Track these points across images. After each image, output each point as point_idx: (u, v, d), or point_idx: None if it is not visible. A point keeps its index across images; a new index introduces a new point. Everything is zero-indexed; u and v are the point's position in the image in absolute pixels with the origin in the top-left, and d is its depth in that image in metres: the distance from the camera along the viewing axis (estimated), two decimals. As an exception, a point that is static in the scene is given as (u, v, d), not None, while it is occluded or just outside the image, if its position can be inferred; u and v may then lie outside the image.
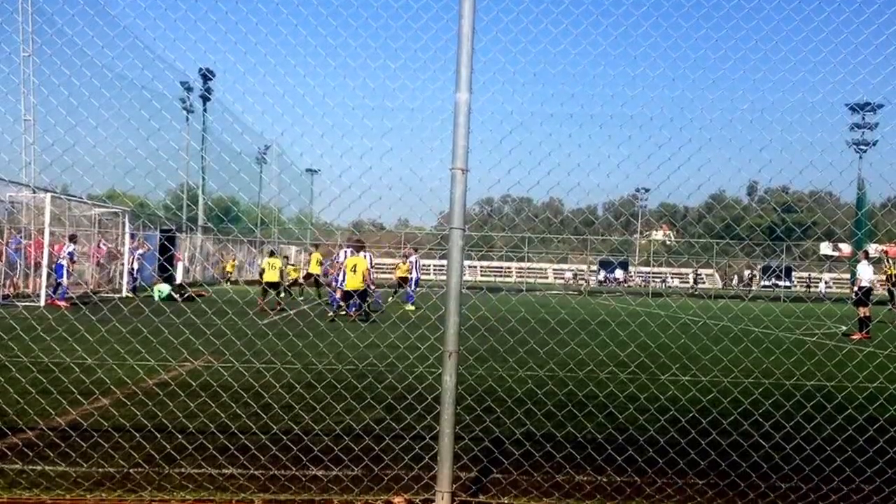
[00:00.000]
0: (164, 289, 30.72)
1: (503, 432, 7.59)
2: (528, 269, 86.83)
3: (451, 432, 5.39)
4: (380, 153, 6.52)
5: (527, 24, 6.62)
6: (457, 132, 5.47)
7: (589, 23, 6.63)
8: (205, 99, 53.78)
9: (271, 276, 25.88)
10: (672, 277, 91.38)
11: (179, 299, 25.34)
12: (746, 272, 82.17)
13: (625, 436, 7.68)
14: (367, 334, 14.36)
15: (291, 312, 23.97)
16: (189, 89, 52.26)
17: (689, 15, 6.57)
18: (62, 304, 24.59)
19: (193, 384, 9.26)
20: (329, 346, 12.98)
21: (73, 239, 28.23)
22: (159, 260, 40.50)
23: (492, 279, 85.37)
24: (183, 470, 6.04)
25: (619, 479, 6.24)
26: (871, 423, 8.26)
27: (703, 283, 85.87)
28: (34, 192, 29.20)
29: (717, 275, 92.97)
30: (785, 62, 6.80)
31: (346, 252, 24.22)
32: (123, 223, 34.70)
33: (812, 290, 72.45)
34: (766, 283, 76.92)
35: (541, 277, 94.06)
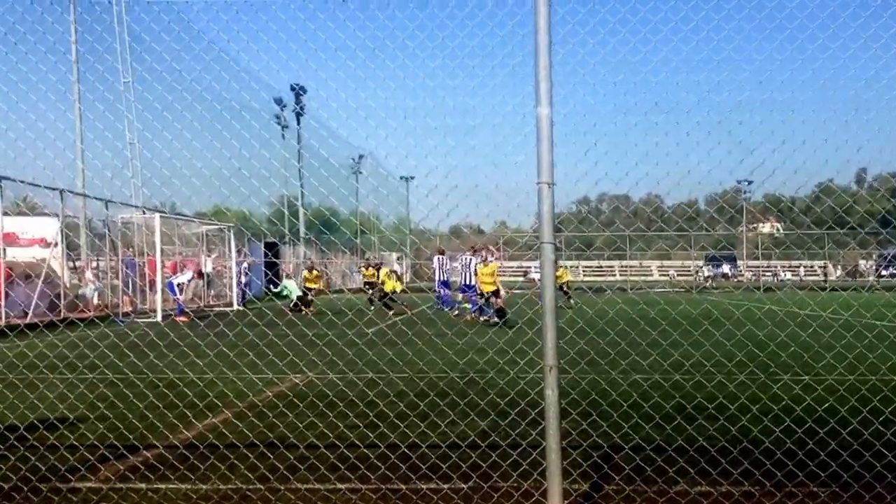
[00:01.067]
0: (290, 286, 31.53)
1: (612, 445, 7.50)
2: (631, 267, 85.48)
3: (557, 448, 5.36)
4: (465, 170, 6.59)
5: (604, 34, 6.56)
6: (540, 146, 5.44)
7: (668, 30, 6.54)
8: (298, 115, 54.98)
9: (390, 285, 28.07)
10: (784, 270, 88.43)
11: (291, 312, 25.96)
12: (862, 262, 79.02)
13: (742, 445, 7.48)
14: (463, 347, 14.40)
15: (392, 316, 24.25)
16: (283, 106, 53.46)
17: (775, 15, 6.40)
18: (181, 319, 25.53)
19: (309, 395, 9.53)
20: (429, 357, 13.07)
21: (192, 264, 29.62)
22: (266, 273, 41.59)
23: (595, 279, 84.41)
24: (298, 486, 6.19)
25: (736, 491, 6.10)
26: None
27: (818, 275, 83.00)
28: (144, 213, 30.38)
29: (830, 266, 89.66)
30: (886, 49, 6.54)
31: (467, 257, 25.97)
32: (229, 238, 35.76)
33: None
34: (885, 273, 73.75)
35: (645, 275, 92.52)
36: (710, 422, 8.33)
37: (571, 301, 29.36)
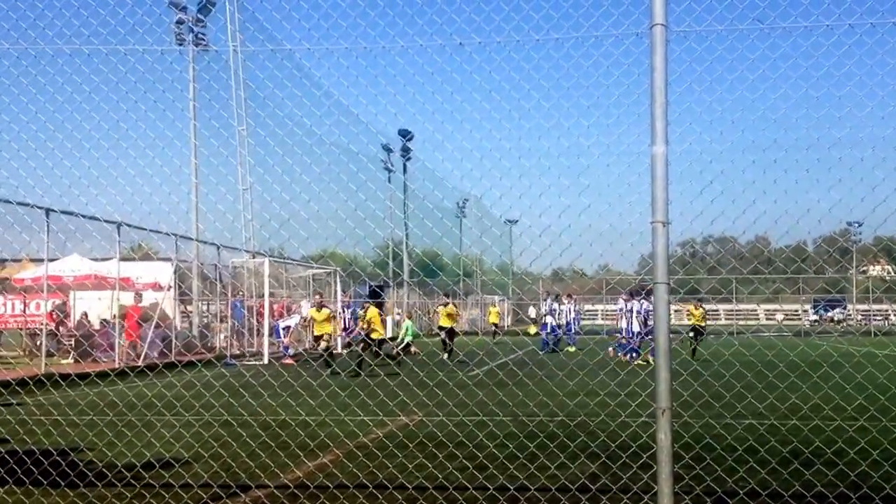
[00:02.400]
0: (410, 326, 31.81)
1: (727, 490, 7.33)
2: (737, 310, 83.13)
3: (670, 492, 5.29)
4: (578, 210, 6.64)
5: (721, 71, 6.55)
6: (655, 185, 5.45)
7: (787, 66, 6.48)
8: (405, 159, 56.00)
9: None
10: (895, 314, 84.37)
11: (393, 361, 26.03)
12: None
13: (861, 491, 7.20)
14: (573, 389, 14.31)
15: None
16: (390, 150, 54.57)
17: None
18: (289, 361, 26.13)
19: (419, 435, 9.59)
20: (539, 398, 13.01)
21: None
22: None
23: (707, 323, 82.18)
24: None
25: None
26: None
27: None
28: (253, 257, 31.33)
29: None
30: None
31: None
32: (335, 282, 36.46)
33: None
34: None
35: (752, 318, 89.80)
36: (829, 467, 8.04)
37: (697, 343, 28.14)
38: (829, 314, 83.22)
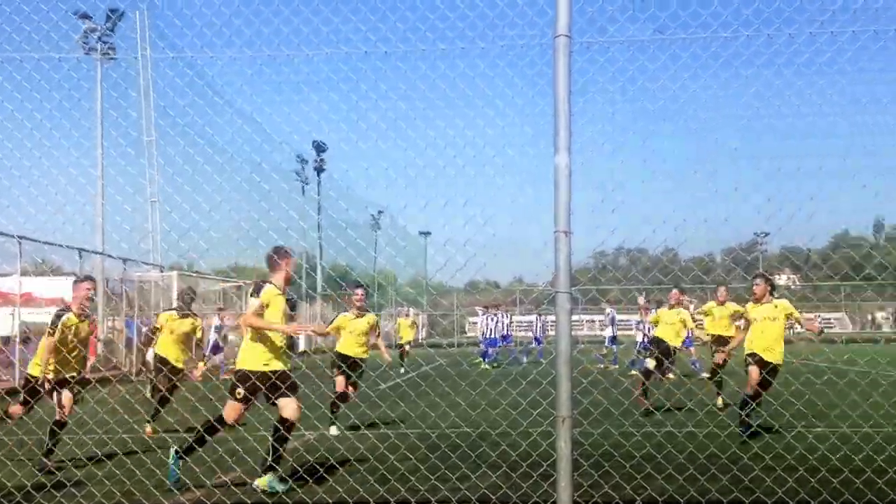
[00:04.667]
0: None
1: (623, 498, 7.41)
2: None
3: (569, 500, 5.32)
4: (484, 220, 6.63)
5: (623, 82, 6.65)
6: (558, 194, 5.47)
7: (688, 77, 6.63)
8: (319, 170, 55.62)
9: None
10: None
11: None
12: (880, 314, 78.01)
13: (754, 496, 7.38)
14: (476, 400, 14.35)
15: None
16: (304, 161, 54.08)
17: (795, 60, 6.48)
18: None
19: (320, 449, 9.43)
20: (441, 410, 12.98)
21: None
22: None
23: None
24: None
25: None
26: None
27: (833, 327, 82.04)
28: (161, 271, 30.56)
29: (846, 317, 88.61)
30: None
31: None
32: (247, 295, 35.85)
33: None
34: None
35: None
36: (723, 473, 8.22)
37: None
38: (737, 323, 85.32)
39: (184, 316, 12.49)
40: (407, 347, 29.36)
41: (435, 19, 6.36)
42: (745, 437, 10.41)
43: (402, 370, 25.63)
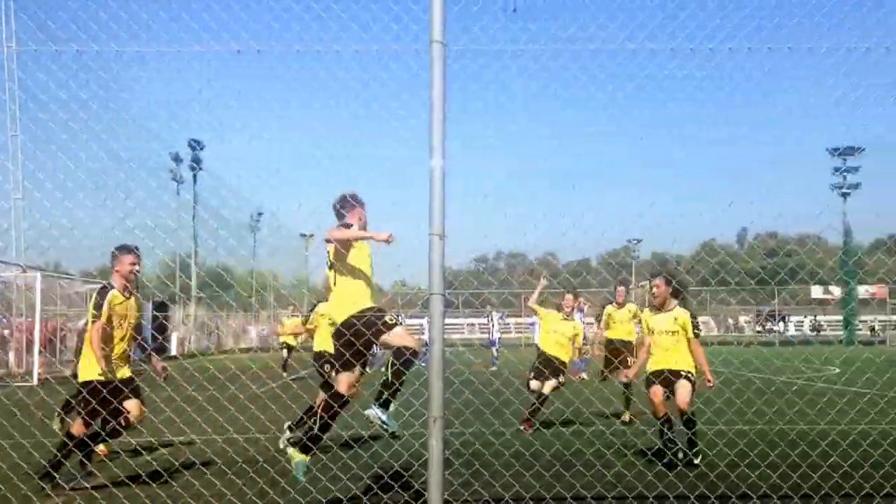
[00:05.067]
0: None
1: (493, 496, 7.57)
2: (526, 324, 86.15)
3: (439, 499, 5.40)
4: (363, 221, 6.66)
5: (496, 90, 6.81)
6: (432, 198, 5.55)
7: (559, 86, 6.83)
8: (193, 169, 54.32)
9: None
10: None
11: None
12: (742, 317, 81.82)
13: (615, 491, 7.66)
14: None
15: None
16: (179, 160, 52.76)
17: (660, 74, 6.76)
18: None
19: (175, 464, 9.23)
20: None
21: None
22: (155, 336, 40.35)
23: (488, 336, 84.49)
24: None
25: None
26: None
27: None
28: (25, 271, 29.20)
29: (712, 321, 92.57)
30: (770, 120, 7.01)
31: None
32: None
33: (821, 333, 71.11)
34: (761, 329, 76.21)
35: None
36: (588, 469, 8.51)
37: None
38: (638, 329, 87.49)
39: None
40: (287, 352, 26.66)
41: (308, 20, 6.36)
42: (680, 462, 8.82)
43: (286, 375, 24.51)
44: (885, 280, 53.60)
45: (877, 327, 63.78)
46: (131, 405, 8.08)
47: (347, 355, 7.07)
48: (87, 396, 7.93)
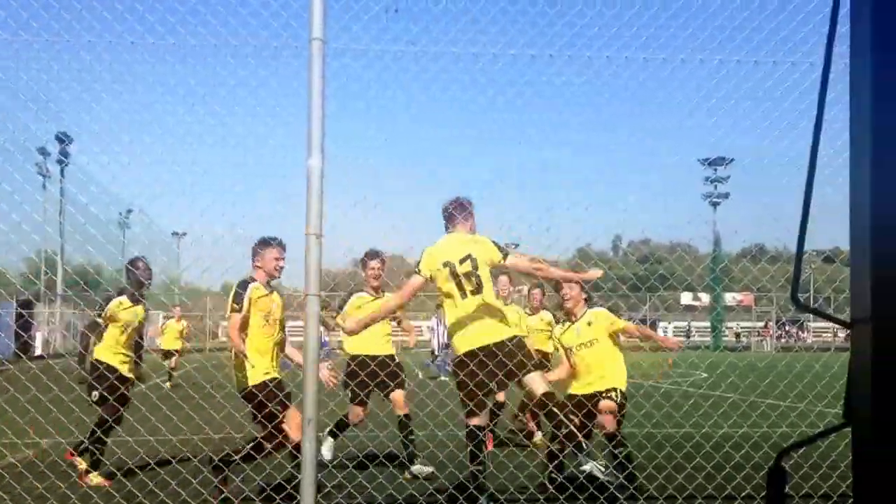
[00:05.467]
0: None
1: (366, 498, 7.58)
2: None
3: (312, 501, 5.37)
4: (237, 218, 6.57)
5: (377, 89, 6.83)
6: (310, 197, 5.49)
7: (438, 88, 6.90)
8: (62, 163, 52.20)
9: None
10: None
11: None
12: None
13: (496, 482, 7.78)
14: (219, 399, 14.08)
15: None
16: (46, 154, 50.55)
17: (539, 80, 6.92)
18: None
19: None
20: (193, 421, 12.62)
21: None
22: (19, 334, 38.47)
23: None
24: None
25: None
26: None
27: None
28: None
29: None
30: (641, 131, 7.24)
31: None
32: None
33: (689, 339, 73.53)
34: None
35: (417, 335, 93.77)
36: (461, 470, 8.62)
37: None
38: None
39: None
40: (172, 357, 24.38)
41: (185, 14, 6.21)
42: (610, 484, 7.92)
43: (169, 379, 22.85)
44: (750, 287, 56.14)
45: (741, 333, 66.47)
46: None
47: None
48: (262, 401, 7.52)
